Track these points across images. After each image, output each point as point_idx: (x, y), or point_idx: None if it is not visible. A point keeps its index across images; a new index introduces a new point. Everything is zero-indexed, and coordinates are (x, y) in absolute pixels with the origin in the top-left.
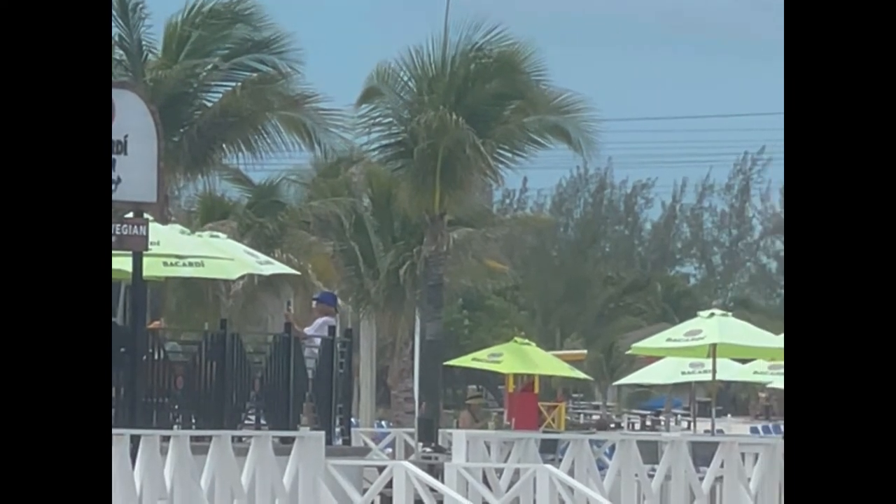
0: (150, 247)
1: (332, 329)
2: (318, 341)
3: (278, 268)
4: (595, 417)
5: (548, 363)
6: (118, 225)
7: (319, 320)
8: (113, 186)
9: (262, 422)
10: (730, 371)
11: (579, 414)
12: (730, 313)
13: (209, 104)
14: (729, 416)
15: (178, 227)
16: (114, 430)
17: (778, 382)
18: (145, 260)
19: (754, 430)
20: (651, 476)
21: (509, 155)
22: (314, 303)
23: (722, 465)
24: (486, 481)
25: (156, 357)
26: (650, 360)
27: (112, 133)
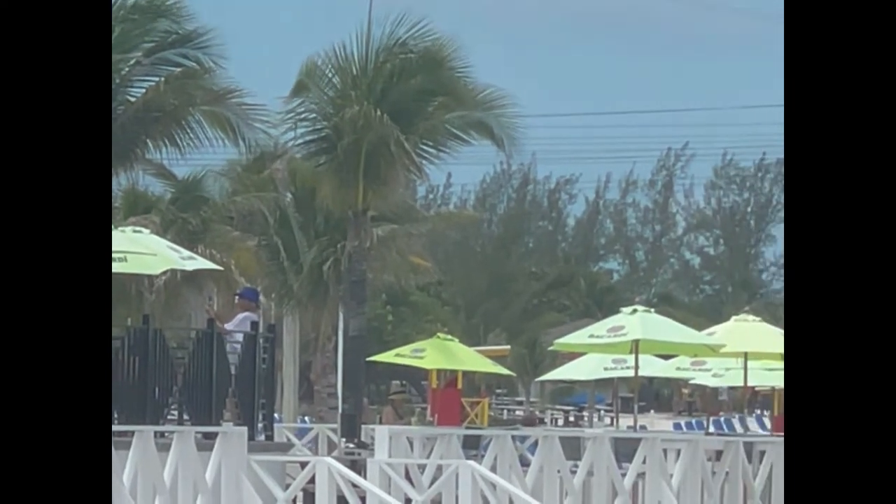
0: None
1: (254, 325)
2: (240, 337)
3: (201, 263)
4: (518, 413)
5: (471, 359)
6: None
7: (240, 316)
8: None
9: (185, 417)
10: (652, 367)
11: (503, 410)
12: (652, 309)
13: (132, 99)
14: (652, 412)
15: None
16: None
17: (700, 379)
18: None
19: (677, 427)
20: (573, 472)
21: (433, 151)
22: (236, 298)
23: (644, 462)
24: (408, 477)
25: None
26: (573, 355)
27: None
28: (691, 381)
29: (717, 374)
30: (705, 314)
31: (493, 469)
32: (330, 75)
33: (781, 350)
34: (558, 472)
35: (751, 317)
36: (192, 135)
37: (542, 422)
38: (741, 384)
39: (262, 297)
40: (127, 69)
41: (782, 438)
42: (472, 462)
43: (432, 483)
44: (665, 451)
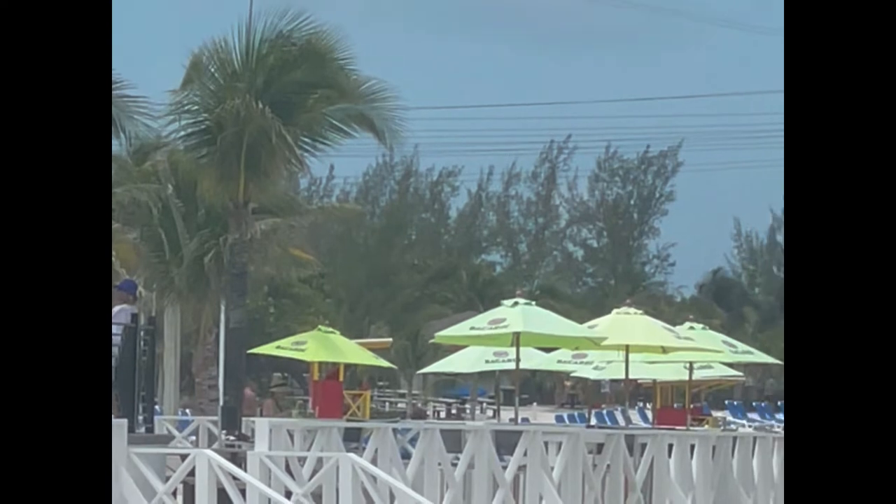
0: None
1: (133, 317)
2: (118, 329)
3: None
4: (401, 406)
5: (353, 351)
6: None
7: (116, 308)
8: None
9: None
10: (534, 360)
11: (385, 402)
12: (534, 302)
13: None
14: (535, 404)
15: None
16: None
17: (582, 371)
18: None
19: (560, 419)
20: (454, 465)
21: (314, 143)
22: (114, 290)
23: (525, 454)
24: (288, 470)
25: None
26: (456, 348)
27: None
28: (573, 374)
29: (598, 367)
30: (588, 307)
31: (374, 462)
32: (213, 69)
33: (662, 343)
34: (439, 464)
35: (632, 310)
36: None
37: (424, 414)
38: (623, 377)
39: (143, 289)
40: None
41: (663, 431)
42: (352, 455)
43: (312, 475)
44: (546, 443)
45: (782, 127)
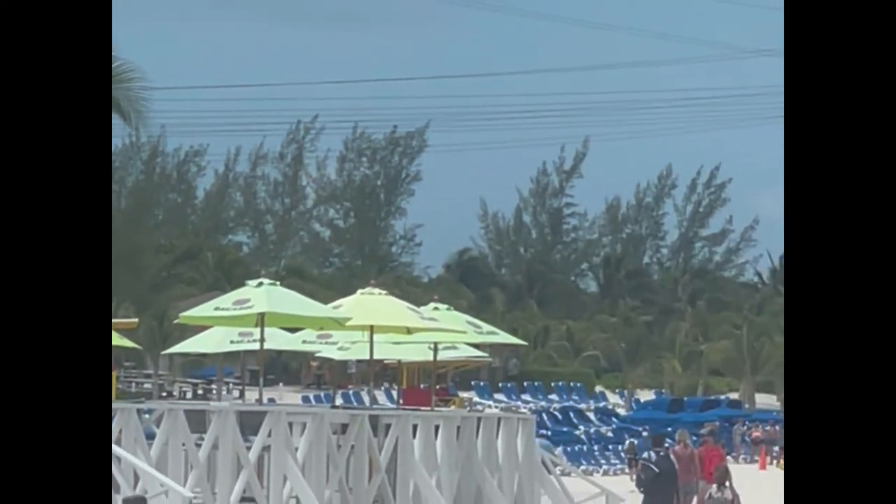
0: None
1: None
2: None
3: None
4: (147, 386)
5: None
6: None
7: None
8: None
9: None
10: (279, 340)
11: (131, 383)
12: (279, 282)
13: None
14: (281, 384)
15: None
16: None
17: (327, 352)
18: None
19: (306, 399)
20: (199, 445)
21: None
22: None
23: (269, 435)
24: None
25: None
26: (202, 328)
27: None
28: (318, 354)
29: (342, 348)
30: (335, 287)
31: (118, 442)
32: None
33: (407, 323)
34: (183, 445)
35: (377, 290)
36: None
37: (170, 395)
38: (367, 357)
39: None
40: None
41: (408, 412)
42: None
43: None
44: (291, 424)
45: (529, 108)
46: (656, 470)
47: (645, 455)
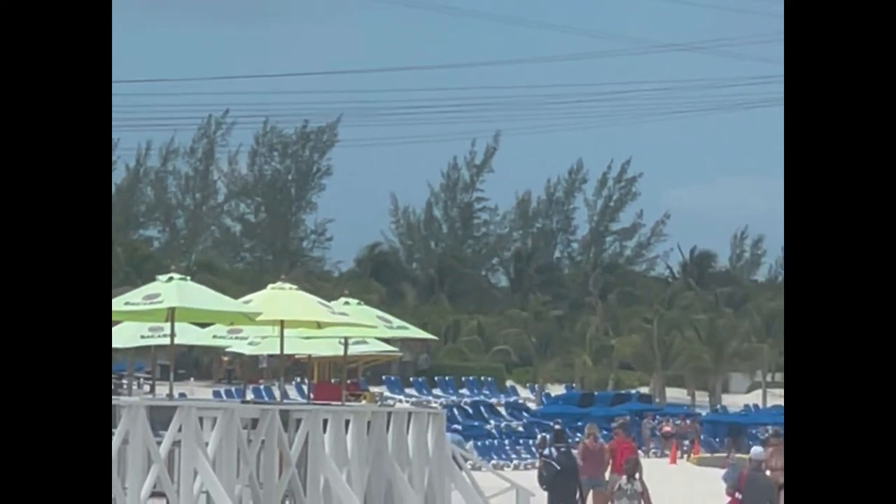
0: None
1: None
2: None
3: None
4: None
5: None
6: None
7: None
8: None
9: None
10: (189, 335)
11: None
12: (189, 277)
13: None
14: (192, 379)
15: None
16: None
17: (237, 347)
18: None
19: (217, 394)
20: None
21: None
22: None
23: (180, 430)
24: None
25: None
26: (114, 323)
27: None
28: (229, 349)
29: (253, 343)
30: (246, 282)
31: None
32: None
33: (317, 318)
34: None
35: (287, 285)
36: None
37: None
38: (278, 352)
39: None
40: None
41: (319, 406)
42: None
43: None
44: (201, 419)
45: (439, 102)
46: (557, 467)
47: (546, 452)
